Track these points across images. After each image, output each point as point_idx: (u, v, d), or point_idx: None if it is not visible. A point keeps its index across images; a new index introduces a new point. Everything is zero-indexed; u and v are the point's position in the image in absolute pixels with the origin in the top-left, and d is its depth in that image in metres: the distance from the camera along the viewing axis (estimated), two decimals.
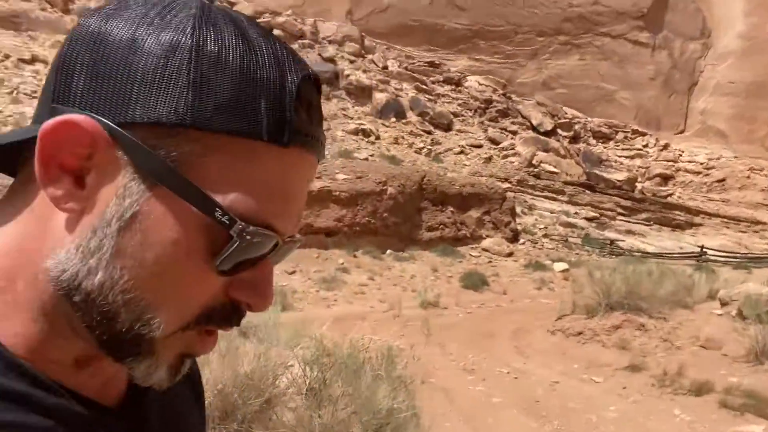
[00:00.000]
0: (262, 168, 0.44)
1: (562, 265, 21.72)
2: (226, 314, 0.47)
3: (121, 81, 0.41)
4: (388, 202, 22.30)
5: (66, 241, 0.43)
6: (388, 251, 21.80)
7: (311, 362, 3.03)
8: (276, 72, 0.44)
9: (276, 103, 0.44)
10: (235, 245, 0.43)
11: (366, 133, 33.76)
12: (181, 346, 0.47)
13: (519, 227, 26.96)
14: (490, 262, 22.69)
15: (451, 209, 24.47)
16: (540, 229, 29.45)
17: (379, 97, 36.91)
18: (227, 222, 0.43)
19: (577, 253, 26.64)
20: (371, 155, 30.24)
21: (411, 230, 23.00)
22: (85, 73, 0.42)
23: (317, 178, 22.34)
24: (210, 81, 0.42)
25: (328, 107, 35.33)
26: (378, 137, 34.16)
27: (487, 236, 24.76)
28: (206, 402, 2.62)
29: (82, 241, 0.43)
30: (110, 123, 0.42)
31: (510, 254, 23.82)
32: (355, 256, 20.62)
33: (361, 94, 36.94)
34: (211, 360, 2.79)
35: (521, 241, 26.11)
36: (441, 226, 23.83)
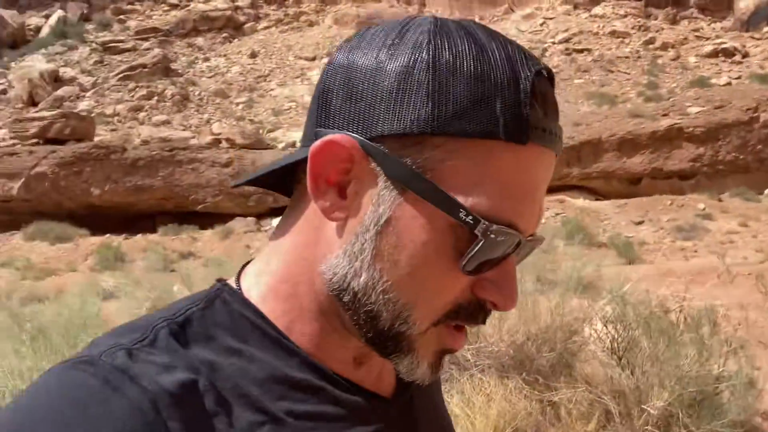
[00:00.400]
0: (502, 167, 0.46)
1: None
2: (473, 311, 0.49)
3: (369, 100, 0.46)
4: (762, 131, 18.24)
5: (335, 246, 0.49)
6: (767, 191, 17.94)
7: (613, 319, 2.87)
8: (509, 71, 0.46)
9: (511, 101, 0.45)
10: (480, 244, 0.45)
11: (728, 53, 28.14)
12: (435, 342, 0.50)
13: None
14: None
15: None
16: None
17: (744, 4, 30.12)
18: (471, 222, 0.45)
19: None
20: (736, 78, 25.09)
21: None
22: (340, 98, 0.48)
23: (663, 115, 19.84)
24: (447, 89, 0.45)
25: (676, 32, 30.75)
26: (745, 55, 28.05)
27: None
28: (498, 350, 2.81)
29: (348, 246, 0.48)
30: (363, 138, 0.47)
31: None
32: (719, 200, 17.70)
33: (717, 6, 30.83)
34: (508, 313, 2.94)
35: None
36: None
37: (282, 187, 0.56)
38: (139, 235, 20.92)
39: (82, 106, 33.09)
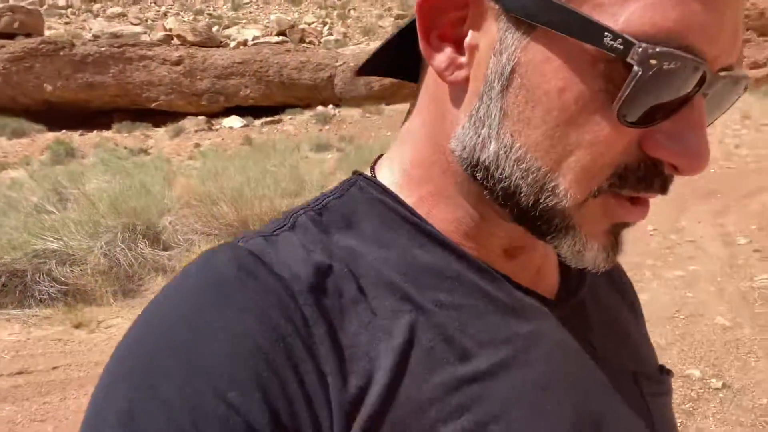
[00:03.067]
0: None
1: None
2: (644, 175, 0.37)
3: None
4: None
5: (460, 116, 0.41)
6: None
7: None
8: None
9: None
10: (637, 77, 0.33)
11: None
12: (601, 216, 0.40)
13: None
14: None
15: None
16: None
17: None
18: (621, 47, 0.33)
19: None
20: None
21: None
22: None
23: None
24: None
25: None
26: None
27: None
28: None
29: (472, 111, 0.40)
30: None
31: None
32: None
33: None
34: None
35: None
36: None
37: (410, 70, 0.49)
38: (95, 132, 21.63)
39: None
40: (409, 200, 0.46)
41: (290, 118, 22.04)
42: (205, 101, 23.32)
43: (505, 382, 0.41)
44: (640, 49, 0.33)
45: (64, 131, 21.37)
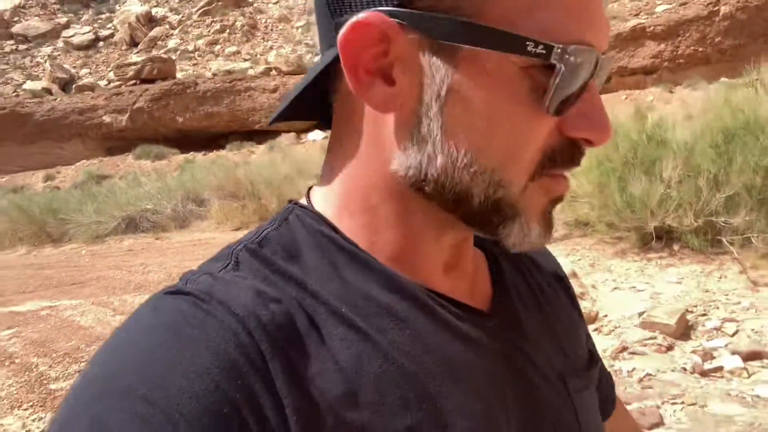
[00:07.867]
0: None
1: None
2: (568, 153, 0.45)
3: None
4: (722, 24, 19.56)
5: (400, 140, 0.44)
6: (722, 79, 19.71)
7: None
8: None
9: None
10: (561, 73, 0.40)
11: None
12: (542, 195, 0.46)
13: None
14: None
15: None
16: None
17: None
18: (544, 51, 0.40)
19: None
20: None
21: (762, 50, 19.55)
22: None
23: (635, 15, 21.56)
24: None
25: None
26: None
27: None
28: None
29: (413, 132, 0.43)
30: (391, 8, 0.41)
31: None
32: (671, 92, 19.79)
33: None
34: None
35: None
36: None
37: (322, 110, 0.51)
38: (214, 152, 27.26)
39: (171, 44, 39.15)
40: (350, 231, 0.48)
41: None
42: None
43: (451, 396, 0.44)
44: (558, 50, 0.40)
45: (191, 153, 27.23)
